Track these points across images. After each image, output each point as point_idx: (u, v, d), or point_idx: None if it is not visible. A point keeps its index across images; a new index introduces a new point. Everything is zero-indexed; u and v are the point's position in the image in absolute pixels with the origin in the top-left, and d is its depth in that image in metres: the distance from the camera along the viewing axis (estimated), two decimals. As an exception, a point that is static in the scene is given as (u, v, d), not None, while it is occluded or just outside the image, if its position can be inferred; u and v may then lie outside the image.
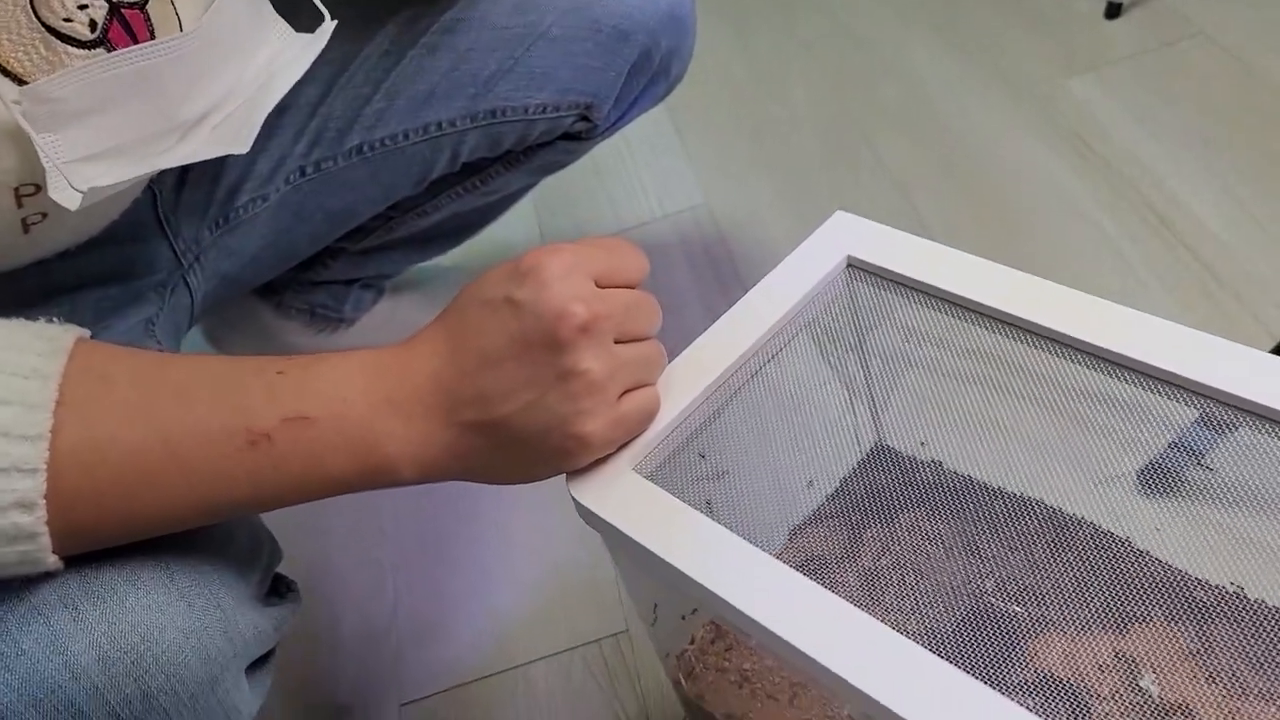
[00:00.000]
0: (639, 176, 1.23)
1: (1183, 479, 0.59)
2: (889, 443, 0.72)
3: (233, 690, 0.51)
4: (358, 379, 0.50)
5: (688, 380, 0.55)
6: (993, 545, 0.64)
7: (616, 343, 0.51)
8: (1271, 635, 0.53)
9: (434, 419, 0.50)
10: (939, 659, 0.41)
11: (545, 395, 0.49)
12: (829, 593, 0.44)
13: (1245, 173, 1.06)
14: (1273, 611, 0.54)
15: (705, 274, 1.09)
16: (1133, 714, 0.53)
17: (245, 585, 0.53)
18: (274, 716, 0.82)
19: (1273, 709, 0.52)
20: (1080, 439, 0.59)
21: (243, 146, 0.60)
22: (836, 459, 0.71)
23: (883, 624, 0.43)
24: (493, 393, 0.49)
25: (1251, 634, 0.54)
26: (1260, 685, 0.53)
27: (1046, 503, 0.64)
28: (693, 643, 0.67)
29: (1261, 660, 0.53)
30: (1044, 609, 0.59)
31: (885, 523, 0.67)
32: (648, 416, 0.53)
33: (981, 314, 0.56)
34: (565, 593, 0.85)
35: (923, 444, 0.70)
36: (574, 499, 0.52)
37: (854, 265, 0.60)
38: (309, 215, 0.85)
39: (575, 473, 0.52)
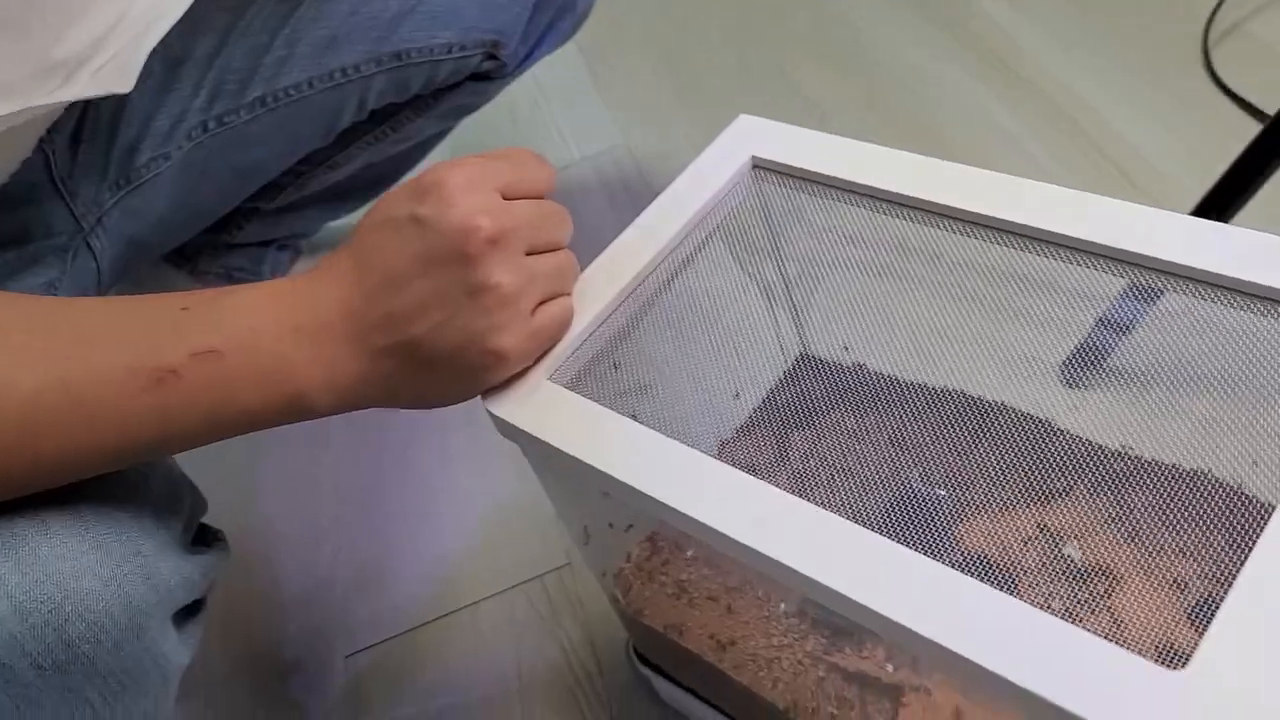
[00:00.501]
0: (555, 121, 1.22)
1: (1103, 367, 0.60)
2: (813, 351, 0.72)
3: (159, 638, 0.50)
4: (266, 310, 0.49)
5: (600, 289, 0.55)
6: (917, 437, 0.64)
7: (527, 255, 0.50)
8: (1186, 496, 0.55)
9: (345, 345, 0.49)
10: (878, 535, 0.41)
11: (457, 312, 0.48)
12: (762, 482, 0.44)
13: (1156, 79, 1.08)
14: (1188, 473, 0.55)
15: (628, 214, 1.08)
16: (1057, 581, 0.54)
17: (166, 532, 0.52)
18: (219, 675, 0.81)
19: (1188, 561, 0.53)
20: (1000, 326, 0.59)
21: (125, 86, 0.58)
22: (762, 369, 0.71)
23: (819, 507, 0.43)
24: (402, 313, 0.49)
25: (1168, 496, 0.55)
26: (1177, 542, 0.54)
27: (968, 393, 0.65)
28: (629, 560, 0.67)
29: (1178, 519, 0.54)
30: (969, 492, 0.60)
31: (811, 426, 0.68)
32: (562, 327, 0.53)
33: (893, 202, 0.56)
34: (505, 531, 0.85)
35: (846, 348, 0.70)
36: (490, 413, 0.52)
37: (760, 166, 0.59)
38: (215, 172, 0.83)
39: (491, 389, 0.52)
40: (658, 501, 0.45)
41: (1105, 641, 0.38)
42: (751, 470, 0.67)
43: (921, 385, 0.66)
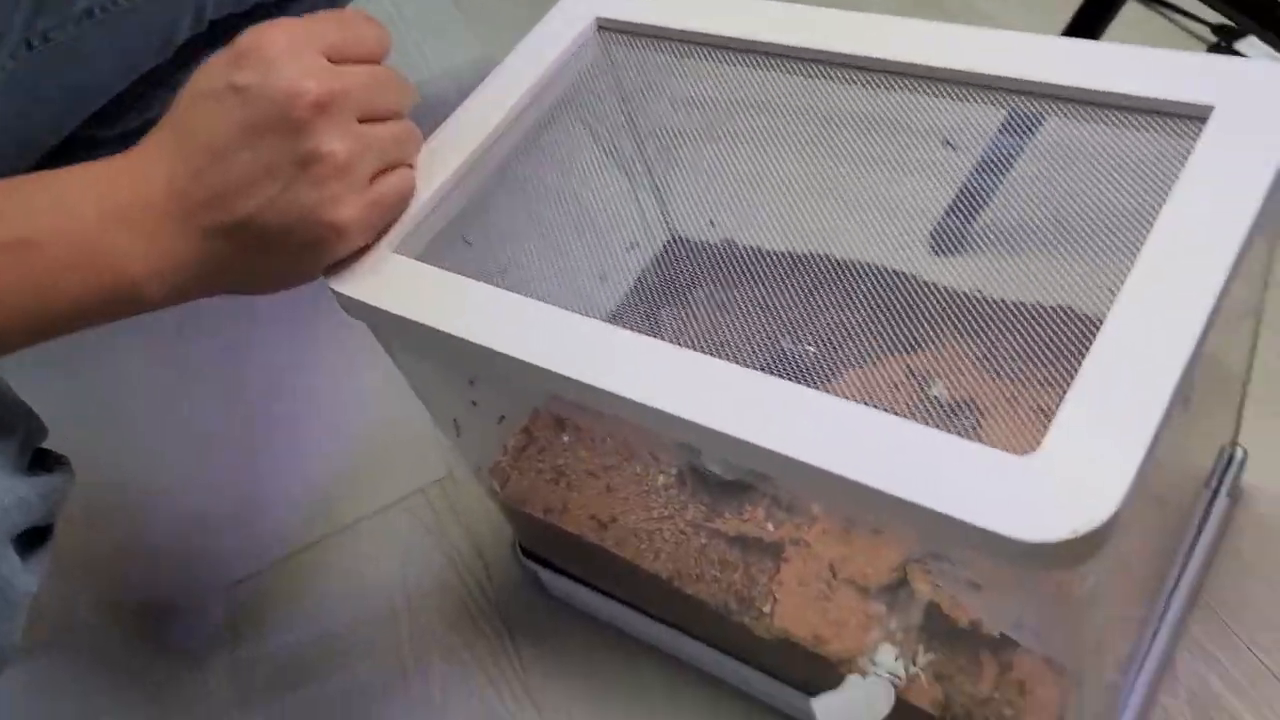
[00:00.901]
0: (411, 37, 1.17)
1: (971, 231, 0.60)
2: (680, 231, 0.71)
3: None
4: (86, 193, 0.45)
5: (444, 160, 0.52)
6: (787, 303, 0.64)
7: (361, 122, 0.48)
8: (1050, 331, 0.55)
9: (171, 226, 0.46)
10: (759, 372, 0.40)
11: (289, 185, 0.45)
12: (637, 334, 0.43)
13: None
14: (1050, 310, 0.56)
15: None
16: (926, 419, 0.54)
17: None
18: (88, 624, 0.77)
19: (1051, 391, 0.54)
20: (872, 182, 0.59)
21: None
22: (627, 252, 0.69)
23: (699, 353, 0.42)
24: (229, 190, 0.45)
25: (1031, 333, 0.56)
26: (1041, 374, 0.54)
27: (836, 256, 0.65)
28: (505, 452, 0.65)
29: (1040, 353, 0.55)
30: (839, 349, 0.60)
31: (681, 304, 0.66)
32: (403, 198, 0.50)
33: (751, 51, 0.54)
34: (380, 447, 0.82)
35: (712, 224, 0.69)
36: (334, 290, 0.49)
37: (606, 28, 0.57)
38: (46, 95, 0.77)
39: (333, 266, 0.49)
40: (529, 364, 0.43)
41: (961, 439, 0.38)
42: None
43: (790, 253, 0.65)
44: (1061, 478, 0.34)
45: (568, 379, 0.42)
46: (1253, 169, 0.39)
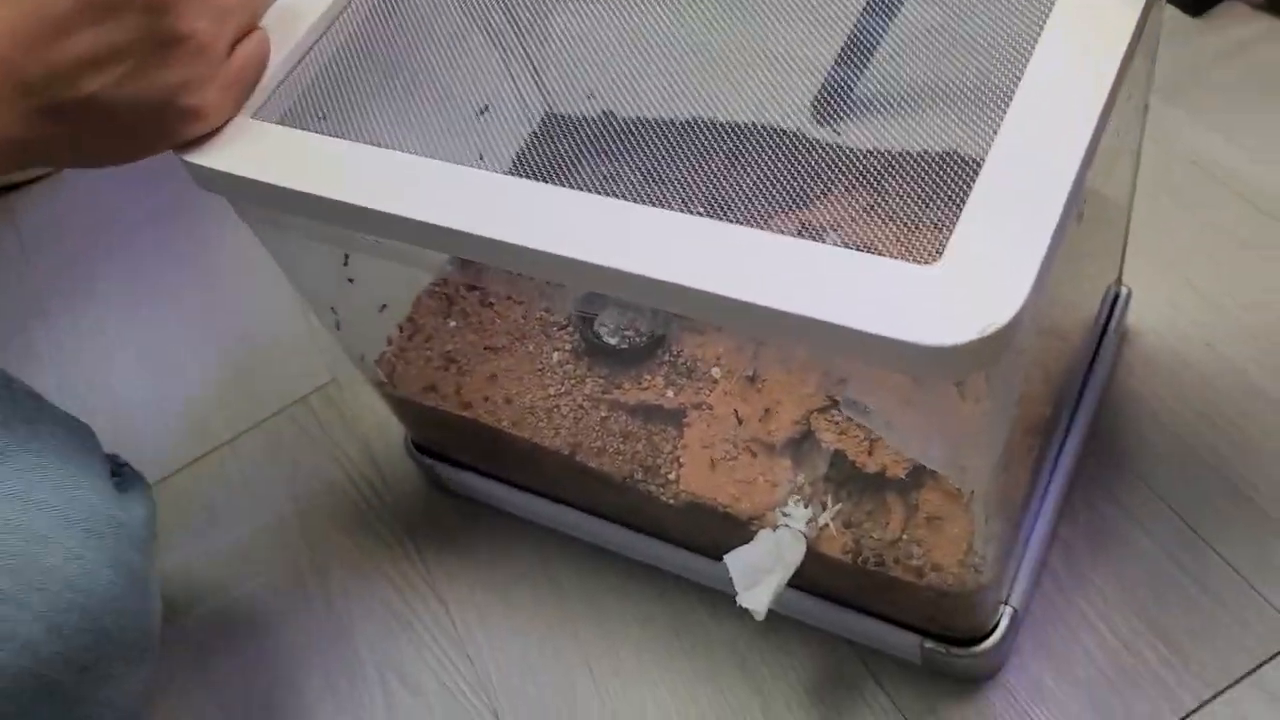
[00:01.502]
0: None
1: (857, 87, 0.59)
2: (557, 106, 0.68)
3: (154, 587, 0.50)
4: None
5: (295, 19, 0.48)
6: (674, 171, 0.62)
7: None
8: (938, 175, 0.55)
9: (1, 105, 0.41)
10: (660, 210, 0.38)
11: (142, 65, 0.41)
12: (526, 181, 0.40)
13: None
14: (937, 155, 0.55)
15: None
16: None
17: (104, 480, 0.49)
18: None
19: (940, 233, 0.53)
20: (751, 34, 0.57)
21: None
22: (506, 130, 0.66)
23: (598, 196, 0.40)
24: (70, 67, 0.41)
25: (921, 178, 0.55)
26: (930, 216, 0.54)
27: (721, 120, 0.63)
28: (390, 344, 0.62)
29: (929, 197, 0.54)
30: (730, 211, 0.58)
31: (564, 182, 0.64)
32: (262, 65, 0.47)
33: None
34: (259, 359, 0.78)
35: (590, 96, 0.66)
36: (188, 163, 0.45)
37: (464, -123, 0.54)
38: None
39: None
40: (422, 223, 0.40)
41: (866, 254, 0.37)
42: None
43: (674, 120, 0.63)
44: (965, 283, 0.33)
45: (468, 236, 0.40)
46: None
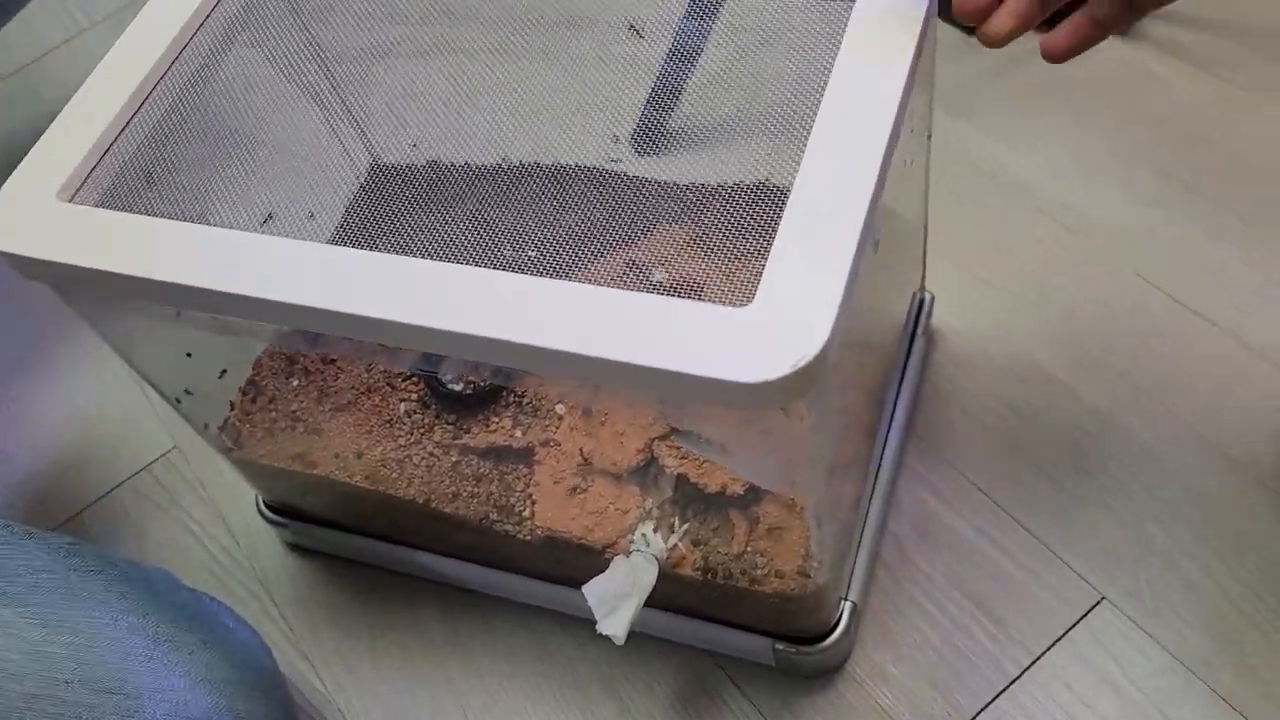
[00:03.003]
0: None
1: (671, 123, 0.62)
2: (383, 157, 0.69)
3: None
4: None
5: (109, 96, 0.48)
6: (501, 215, 0.64)
7: None
8: (751, 206, 0.58)
9: None
10: (485, 269, 0.40)
11: None
12: (350, 250, 0.42)
13: None
14: (750, 187, 0.59)
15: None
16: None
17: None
18: None
19: (762, 260, 0.57)
20: (568, 80, 0.59)
21: None
22: (333, 185, 0.67)
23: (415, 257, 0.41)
24: None
25: (737, 210, 0.59)
26: (750, 246, 0.58)
27: (544, 163, 0.65)
28: (233, 408, 0.62)
29: (747, 228, 0.58)
30: (558, 253, 0.61)
31: (395, 234, 0.65)
32: None
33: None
34: (95, 435, 0.76)
35: (415, 146, 0.68)
36: (6, 254, 0.44)
37: (266, -55, 0.54)
38: None
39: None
40: (251, 299, 0.41)
41: (683, 300, 0.40)
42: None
43: (498, 166, 0.65)
44: (777, 320, 0.37)
45: (297, 308, 0.41)
46: (904, 29, 0.43)
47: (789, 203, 0.41)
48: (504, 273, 0.41)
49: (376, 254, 0.42)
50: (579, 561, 0.56)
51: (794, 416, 0.41)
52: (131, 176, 0.49)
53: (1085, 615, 0.59)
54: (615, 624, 0.50)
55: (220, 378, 0.61)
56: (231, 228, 0.58)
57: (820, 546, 0.52)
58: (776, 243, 0.40)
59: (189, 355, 0.55)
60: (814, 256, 0.38)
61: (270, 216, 0.62)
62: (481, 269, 0.41)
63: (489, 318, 0.39)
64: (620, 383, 0.39)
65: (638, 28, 0.53)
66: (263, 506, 0.67)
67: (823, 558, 0.52)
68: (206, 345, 0.59)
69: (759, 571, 0.53)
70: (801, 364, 0.36)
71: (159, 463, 0.74)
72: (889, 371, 0.65)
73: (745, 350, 0.36)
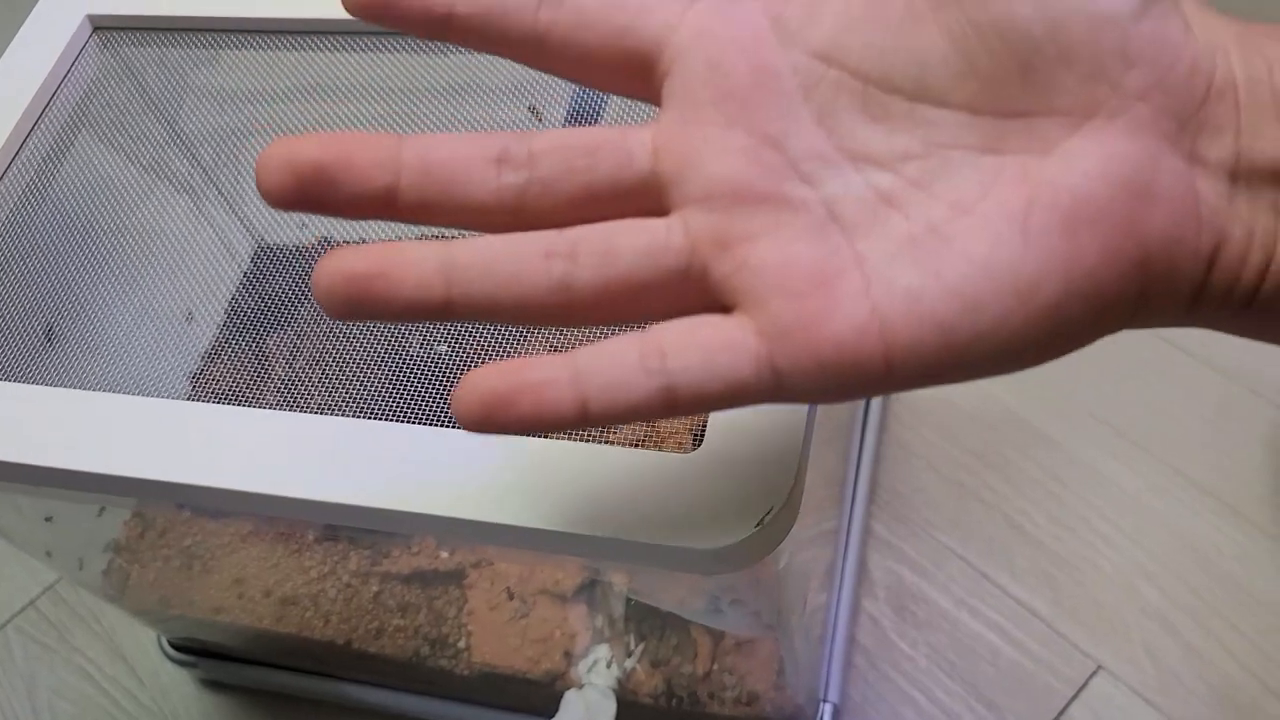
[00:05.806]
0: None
1: None
2: (268, 238, 0.62)
3: None
4: None
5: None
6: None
7: None
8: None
9: None
10: (385, 423, 0.34)
11: None
12: (244, 410, 0.35)
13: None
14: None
15: None
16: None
17: None
18: None
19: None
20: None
21: None
22: (213, 278, 0.60)
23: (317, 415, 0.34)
24: None
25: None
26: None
27: (449, 235, 0.59)
28: (119, 551, 0.54)
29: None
30: (471, 343, 0.54)
31: (288, 325, 0.58)
32: None
33: (283, 32, 0.46)
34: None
35: (303, 225, 0.61)
36: None
37: (104, 27, 0.47)
38: None
39: None
40: (88, 474, 0.34)
41: (624, 449, 0.33)
42: (234, 395, 0.57)
43: (397, 240, 0.59)
44: (732, 463, 0.31)
45: (142, 482, 0.34)
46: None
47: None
48: (393, 423, 0.34)
49: (239, 409, 0.35)
50: (525, 693, 0.50)
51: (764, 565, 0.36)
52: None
53: (1082, 688, 0.54)
54: (573, 777, 0.44)
55: (100, 515, 0.54)
56: (96, 344, 0.52)
57: (795, 662, 0.46)
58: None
59: (48, 519, 0.48)
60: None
61: (140, 324, 0.55)
62: (364, 420, 0.34)
63: (373, 485, 0.33)
64: (547, 550, 0.33)
65: (536, 108, 0.47)
66: (166, 646, 0.59)
67: (799, 668, 0.47)
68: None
69: (728, 693, 0.47)
70: (770, 517, 0.30)
71: (43, 598, 0.66)
72: (849, 438, 0.60)
73: (699, 508, 0.30)
